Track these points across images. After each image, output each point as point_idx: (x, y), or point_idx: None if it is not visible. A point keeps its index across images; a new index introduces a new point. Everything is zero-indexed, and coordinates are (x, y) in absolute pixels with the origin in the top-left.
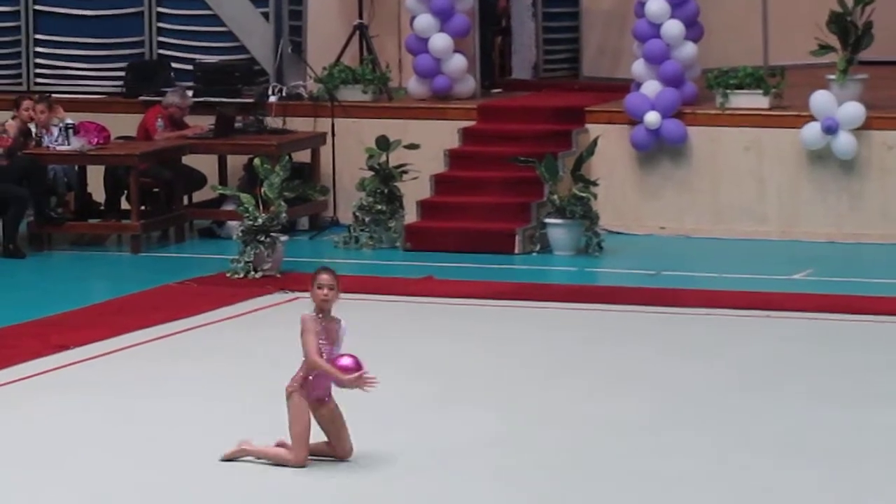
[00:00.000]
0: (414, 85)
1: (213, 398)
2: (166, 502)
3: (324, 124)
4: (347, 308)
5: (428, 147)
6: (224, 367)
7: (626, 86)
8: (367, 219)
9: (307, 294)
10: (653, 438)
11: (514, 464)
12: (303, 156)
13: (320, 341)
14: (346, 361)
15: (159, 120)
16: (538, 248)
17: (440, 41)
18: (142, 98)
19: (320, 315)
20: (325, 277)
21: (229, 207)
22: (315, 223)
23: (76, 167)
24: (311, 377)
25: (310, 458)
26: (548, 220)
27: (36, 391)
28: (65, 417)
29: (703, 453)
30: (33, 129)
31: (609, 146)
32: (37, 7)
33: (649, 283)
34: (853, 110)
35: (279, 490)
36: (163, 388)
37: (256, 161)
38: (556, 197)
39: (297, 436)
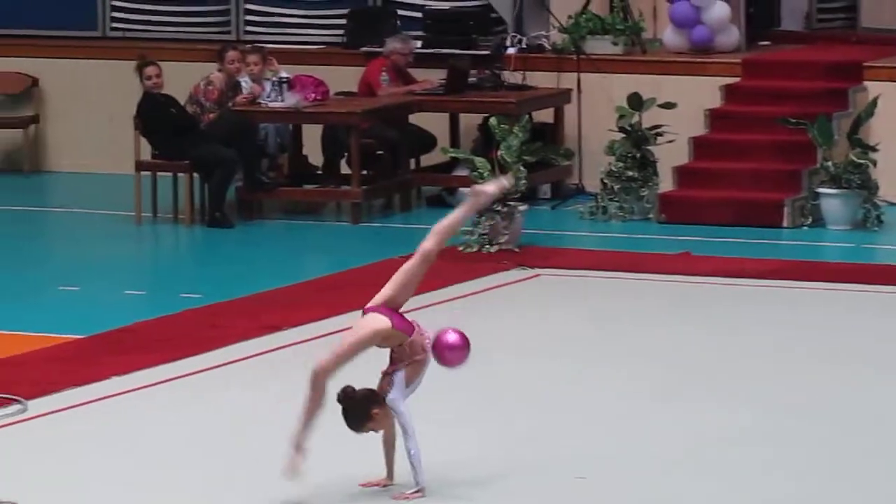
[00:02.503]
0: (670, 36)
1: (446, 389)
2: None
3: (568, 80)
4: (594, 287)
5: (686, 106)
6: None
7: None
8: (616, 186)
9: (548, 270)
10: None
11: (767, 460)
12: (545, 115)
13: None
14: None
15: (384, 73)
16: (810, 220)
17: None
18: (364, 49)
19: None
20: None
21: (461, 173)
22: (558, 191)
23: (290, 126)
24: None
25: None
26: (821, 190)
27: (244, 376)
28: (272, 406)
29: None
30: (244, 84)
31: (890, 106)
32: None
33: None
34: None
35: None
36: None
37: (493, 121)
38: (830, 163)
39: None
